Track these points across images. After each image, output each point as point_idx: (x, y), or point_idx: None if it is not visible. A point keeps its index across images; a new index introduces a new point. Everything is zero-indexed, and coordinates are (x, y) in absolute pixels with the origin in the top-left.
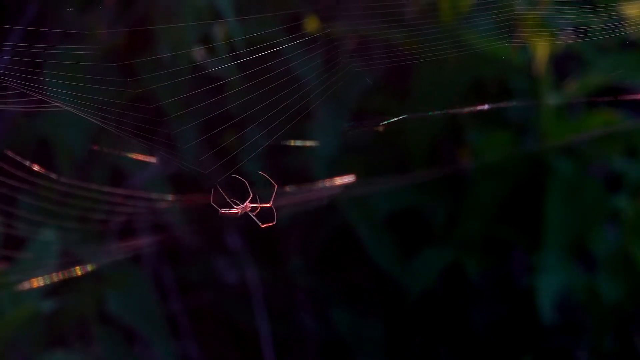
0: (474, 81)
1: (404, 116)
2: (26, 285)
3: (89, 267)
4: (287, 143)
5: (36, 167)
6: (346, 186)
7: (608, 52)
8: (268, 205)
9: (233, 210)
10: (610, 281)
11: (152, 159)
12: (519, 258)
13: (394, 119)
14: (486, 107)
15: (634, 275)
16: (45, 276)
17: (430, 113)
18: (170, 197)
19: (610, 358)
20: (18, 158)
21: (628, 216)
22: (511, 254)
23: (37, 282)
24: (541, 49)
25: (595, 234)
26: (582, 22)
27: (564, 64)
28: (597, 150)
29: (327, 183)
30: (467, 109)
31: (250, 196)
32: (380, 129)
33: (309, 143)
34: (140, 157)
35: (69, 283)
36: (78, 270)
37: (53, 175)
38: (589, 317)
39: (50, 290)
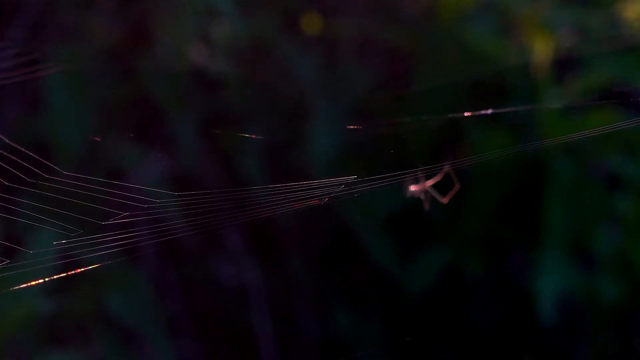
0: (474, 81)
1: (408, 120)
2: (26, 285)
3: (89, 267)
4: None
5: (35, 167)
6: (346, 186)
7: (608, 52)
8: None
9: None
10: (610, 281)
11: (152, 158)
12: (519, 258)
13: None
14: (490, 111)
15: (634, 275)
16: (45, 276)
17: (430, 117)
18: (170, 197)
19: (610, 358)
20: (17, 157)
21: (628, 216)
22: (511, 254)
23: (37, 282)
24: (541, 49)
25: (595, 234)
26: (583, 22)
27: (564, 64)
28: (597, 150)
29: (327, 182)
30: (469, 113)
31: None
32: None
33: (308, 142)
34: (140, 156)
35: (69, 283)
36: (78, 270)
37: (52, 175)
38: (588, 317)
39: (50, 290)
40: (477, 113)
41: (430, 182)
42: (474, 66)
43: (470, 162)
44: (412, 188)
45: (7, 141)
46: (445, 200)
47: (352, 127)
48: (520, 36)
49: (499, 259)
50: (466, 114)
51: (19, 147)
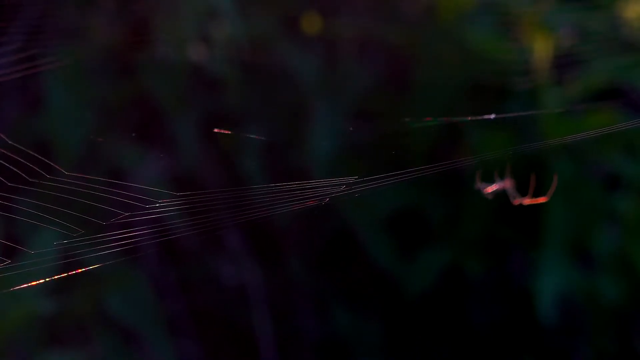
0: (474, 81)
1: (407, 119)
2: (26, 286)
3: (89, 267)
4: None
5: (35, 167)
6: (346, 186)
7: (608, 52)
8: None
9: (493, 187)
10: (610, 281)
11: (152, 158)
12: (519, 258)
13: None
14: (492, 116)
15: (634, 275)
16: (45, 276)
17: (431, 120)
18: (170, 197)
19: (610, 358)
20: (18, 156)
21: (628, 216)
22: (511, 254)
23: (37, 282)
24: (541, 49)
25: (595, 234)
26: (583, 22)
27: (564, 64)
28: (597, 150)
29: (327, 182)
30: (471, 117)
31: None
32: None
33: (308, 142)
34: (140, 156)
35: (69, 283)
36: (78, 270)
37: (52, 175)
38: (588, 317)
39: (50, 290)
40: (478, 117)
41: (509, 183)
42: (474, 66)
43: (470, 162)
44: (491, 188)
45: (9, 142)
46: (527, 201)
47: (353, 127)
48: (520, 36)
49: (499, 259)
50: (468, 118)
51: (20, 147)
